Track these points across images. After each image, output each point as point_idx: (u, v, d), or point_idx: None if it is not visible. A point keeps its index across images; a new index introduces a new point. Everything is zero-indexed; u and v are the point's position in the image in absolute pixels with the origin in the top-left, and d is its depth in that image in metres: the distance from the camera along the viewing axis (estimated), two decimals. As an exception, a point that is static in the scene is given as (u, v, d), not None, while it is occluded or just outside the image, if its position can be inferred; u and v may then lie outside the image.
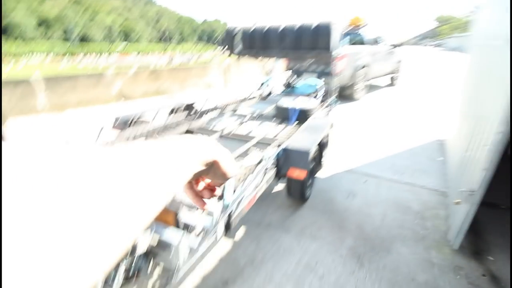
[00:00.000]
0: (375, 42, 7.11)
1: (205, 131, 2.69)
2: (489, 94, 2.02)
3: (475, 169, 1.80)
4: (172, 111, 3.06)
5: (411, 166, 3.20)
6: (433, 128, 4.53)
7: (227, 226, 1.52)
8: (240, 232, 2.15)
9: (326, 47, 3.37)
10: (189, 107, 3.17)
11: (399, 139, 4.04)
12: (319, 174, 2.87)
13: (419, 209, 2.42)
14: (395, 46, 7.87)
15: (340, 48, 3.50)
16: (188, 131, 2.75)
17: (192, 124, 2.86)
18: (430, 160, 3.38)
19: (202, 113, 3.19)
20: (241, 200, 1.66)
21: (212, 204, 1.38)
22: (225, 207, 1.50)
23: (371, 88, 7.87)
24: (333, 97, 3.83)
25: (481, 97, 2.25)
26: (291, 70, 5.80)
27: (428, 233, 2.14)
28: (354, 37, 6.42)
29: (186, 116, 3.03)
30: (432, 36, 53.53)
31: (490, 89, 2.01)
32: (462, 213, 1.85)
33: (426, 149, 3.69)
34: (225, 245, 2.02)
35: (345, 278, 1.76)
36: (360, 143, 3.92)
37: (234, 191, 1.61)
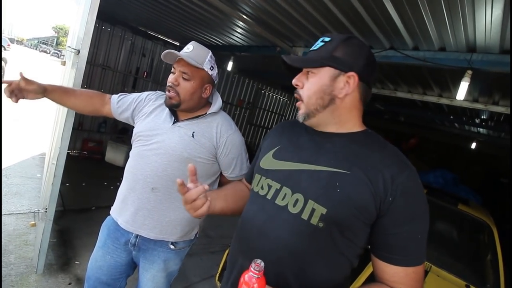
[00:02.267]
0: None
1: None
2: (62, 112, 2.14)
3: (48, 185, 1.80)
4: None
5: (-3, 192, 2.60)
6: (39, 141, 4.17)
7: None
8: None
9: None
10: None
11: (-14, 159, 3.16)
12: None
13: (3, 243, 1.99)
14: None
15: None
16: None
17: None
18: (27, 178, 3.01)
19: None
20: None
21: None
22: None
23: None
24: None
25: (57, 113, 2.34)
26: None
27: (11, 270, 1.81)
28: None
29: None
30: (51, 43, 51.42)
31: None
32: (40, 233, 1.77)
33: (24, 166, 3.26)
34: None
35: None
36: None
37: None
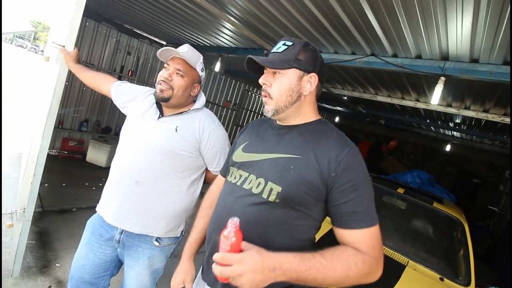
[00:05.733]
0: None
1: None
2: (43, 109, 2.07)
3: (26, 185, 1.74)
4: None
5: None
6: (14, 140, 3.98)
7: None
8: None
9: None
10: None
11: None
12: None
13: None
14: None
15: None
16: None
17: None
18: (3, 178, 2.88)
19: None
20: None
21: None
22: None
23: None
24: None
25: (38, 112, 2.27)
26: None
27: (-16, 274, 1.74)
28: None
29: None
30: (28, 38, 49.04)
31: (44, 104, 2.07)
32: (17, 234, 1.71)
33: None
34: None
35: None
36: None
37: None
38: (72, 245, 2.24)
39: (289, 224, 0.76)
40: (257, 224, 0.76)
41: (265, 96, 0.82)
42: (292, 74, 0.79)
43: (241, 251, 0.64)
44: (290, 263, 0.64)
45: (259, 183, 0.78)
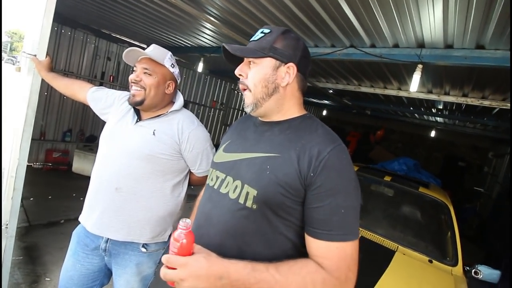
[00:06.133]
0: None
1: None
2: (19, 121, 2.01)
3: (7, 200, 1.69)
4: None
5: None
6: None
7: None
8: None
9: None
10: None
11: None
12: None
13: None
14: None
15: None
16: None
17: None
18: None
19: None
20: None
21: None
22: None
23: None
24: None
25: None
26: None
27: (-32, 294, 1.68)
28: None
29: None
30: (5, 49, 47.37)
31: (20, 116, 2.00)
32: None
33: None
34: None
35: None
36: None
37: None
38: (62, 258, 2.17)
39: (271, 234, 0.68)
40: (235, 234, 0.69)
41: (244, 89, 0.76)
42: (267, 63, 0.73)
43: (192, 254, 0.59)
44: (238, 273, 0.58)
45: (236, 187, 0.71)
